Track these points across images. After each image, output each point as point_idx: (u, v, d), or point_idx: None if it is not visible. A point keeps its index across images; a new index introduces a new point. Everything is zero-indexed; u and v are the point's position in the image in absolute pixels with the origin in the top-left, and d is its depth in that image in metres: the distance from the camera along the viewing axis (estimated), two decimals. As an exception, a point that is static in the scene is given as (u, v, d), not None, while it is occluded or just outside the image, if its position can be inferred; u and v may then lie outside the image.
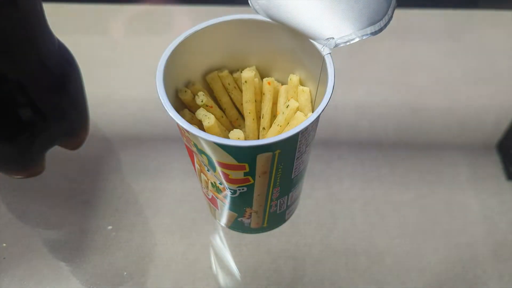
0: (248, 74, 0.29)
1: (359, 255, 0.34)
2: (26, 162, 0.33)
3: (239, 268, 0.34)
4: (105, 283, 0.33)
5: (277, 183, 0.28)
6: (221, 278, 0.34)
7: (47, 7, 0.30)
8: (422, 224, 0.35)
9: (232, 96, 0.31)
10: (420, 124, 0.41)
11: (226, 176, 0.26)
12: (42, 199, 0.37)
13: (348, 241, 0.34)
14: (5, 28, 0.26)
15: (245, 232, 0.34)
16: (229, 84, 0.31)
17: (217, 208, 0.32)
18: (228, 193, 0.28)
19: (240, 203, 0.30)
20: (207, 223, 0.35)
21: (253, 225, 0.33)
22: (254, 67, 0.31)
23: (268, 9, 0.27)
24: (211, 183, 0.29)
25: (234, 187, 0.27)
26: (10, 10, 0.26)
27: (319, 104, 0.25)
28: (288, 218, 0.35)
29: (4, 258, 0.34)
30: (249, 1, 0.28)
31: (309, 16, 0.26)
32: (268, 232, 0.35)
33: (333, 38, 0.26)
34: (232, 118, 0.31)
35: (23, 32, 0.28)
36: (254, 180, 0.26)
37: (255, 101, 0.30)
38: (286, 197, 0.30)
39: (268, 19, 0.28)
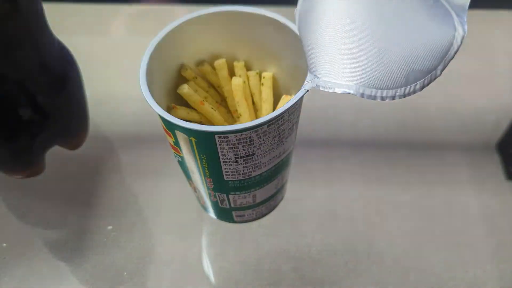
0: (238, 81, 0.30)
1: (359, 255, 0.34)
2: (26, 162, 0.33)
3: (239, 268, 0.34)
4: (105, 283, 0.33)
5: (207, 174, 0.28)
6: (221, 278, 0.33)
7: (47, 7, 0.30)
8: (422, 224, 0.35)
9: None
10: (420, 124, 0.41)
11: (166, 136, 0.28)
12: (42, 199, 0.37)
13: (348, 241, 0.34)
14: (5, 28, 0.27)
15: (201, 206, 0.35)
16: (240, 75, 0.31)
17: None
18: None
19: (184, 171, 0.31)
20: (207, 223, 0.35)
21: (201, 202, 0.34)
22: (242, 63, 0.32)
23: (301, 18, 0.27)
24: None
25: (172, 151, 0.29)
26: (10, 10, 0.26)
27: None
28: (240, 222, 0.34)
29: (4, 258, 0.34)
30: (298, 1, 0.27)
31: (322, 44, 0.25)
32: (268, 232, 0.35)
33: (318, 77, 0.25)
34: (232, 108, 0.32)
35: (23, 32, 0.28)
36: (182, 154, 0.28)
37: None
38: (225, 195, 0.30)
39: (279, 19, 0.28)
